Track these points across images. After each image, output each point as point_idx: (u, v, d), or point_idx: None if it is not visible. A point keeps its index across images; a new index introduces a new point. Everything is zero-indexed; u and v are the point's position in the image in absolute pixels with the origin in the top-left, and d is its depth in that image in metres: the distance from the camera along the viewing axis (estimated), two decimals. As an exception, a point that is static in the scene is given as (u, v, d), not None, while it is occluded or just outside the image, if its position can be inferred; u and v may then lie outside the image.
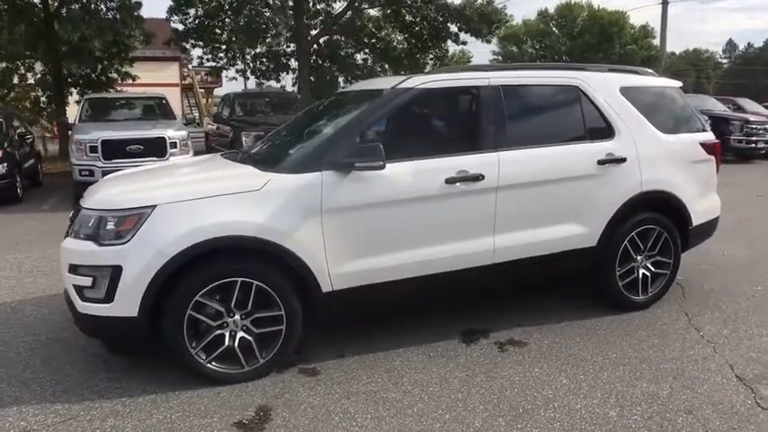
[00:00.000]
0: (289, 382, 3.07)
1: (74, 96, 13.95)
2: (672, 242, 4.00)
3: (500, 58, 43.85)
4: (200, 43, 19.89)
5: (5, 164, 8.47)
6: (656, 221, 3.93)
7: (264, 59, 22.07)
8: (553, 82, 3.76)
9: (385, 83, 3.63)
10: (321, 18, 20.99)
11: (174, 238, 2.84)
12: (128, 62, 15.08)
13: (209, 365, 2.99)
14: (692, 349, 3.39)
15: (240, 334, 3.04)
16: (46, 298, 4.40)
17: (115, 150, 8.48)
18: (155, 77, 27.03)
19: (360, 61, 22.20)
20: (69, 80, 13.85)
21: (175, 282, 2.88)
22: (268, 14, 19.02)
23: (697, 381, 3.00)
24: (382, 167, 3.02)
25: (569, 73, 3.82)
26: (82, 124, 9.31)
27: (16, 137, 9.49)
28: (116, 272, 2.84)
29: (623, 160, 3.75)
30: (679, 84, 4.31)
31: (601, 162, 3.68)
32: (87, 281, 2.90)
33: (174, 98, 30.39)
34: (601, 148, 3.72)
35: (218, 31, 19.87)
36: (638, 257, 3.93)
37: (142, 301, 2.83)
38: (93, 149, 8.47)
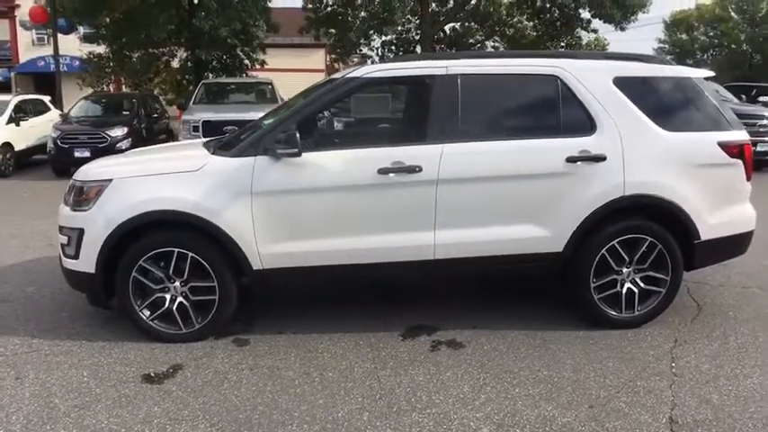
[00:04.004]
0: (216, 347, 3.33)
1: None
2: (669, 257, 3.45)
3: (665, 46, 39.12)
4: (332, 30, 21.03)
5: (130, 139, 10.02)
6: (647, 231, 3.42)
7: (393, 47, 22.66)
8: (527, 71, 3.43)
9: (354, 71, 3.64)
10: (449, 6, 20.83)
11: (122, 208, 3.24)
12: (258, 49, 16.53)
13: (150, 323, 3.36)
14: (645, 380, 2.94)
15: (179, 299, 3.36)
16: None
17: (214, 130, 9.47)
18: (301, 63, 29.13)
19: (490, 49, 21.70)
20: (208, 66, 15.66)
21: (125, 247, 3.31)
22: (396, 4, 19.39)
23: (616, 414, 2.63)
24: (298, 155, 3.10)
25: (549, 61, 3.45)
26: (194, 106, 10.57)
27: (144, 115, 11.11)
28: (81, 233, 3.34)
29: (601, 159, 3.32)
30: (704, 74, 3.63)
31: (571, 159, 3.31)
32: (65, 240, 3.45)
33: (319, 83, 32.43)
34: (574, 144, 3.33)
35: (349, 18, 20.83)
36: (623, 270, 3.47)
37: (97, 260, 3.29)
38: (196, 129, 9.60)
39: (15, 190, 9.20)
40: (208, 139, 4.29)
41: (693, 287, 4.30)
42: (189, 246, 3.28)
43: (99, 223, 3.27)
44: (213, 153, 3.45)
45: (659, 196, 3.36)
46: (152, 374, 3.02)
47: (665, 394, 2.81)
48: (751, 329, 3.55)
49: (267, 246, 3.28)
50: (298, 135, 3.06)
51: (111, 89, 17.51)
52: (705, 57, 35.48)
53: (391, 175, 3.22)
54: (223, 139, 3.85)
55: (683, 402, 2.74)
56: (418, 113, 3.43)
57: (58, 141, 9.73)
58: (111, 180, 3.32)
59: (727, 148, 3.45)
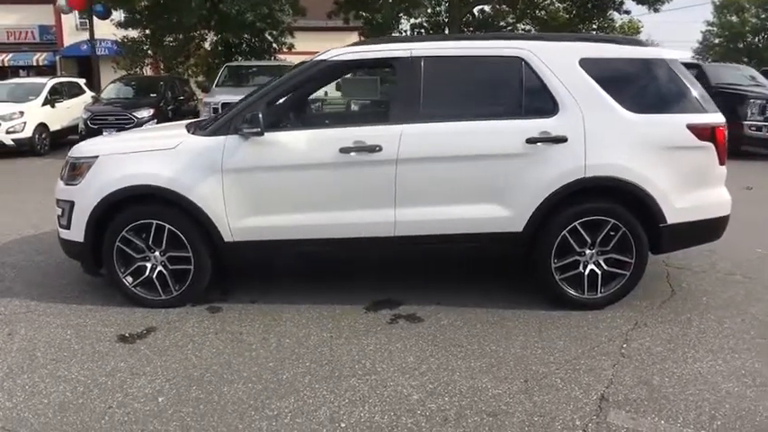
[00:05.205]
0: (190, 313, 3.58)
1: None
2: (634, 240, 3.45)
3: (714, 29, 37.12)
4: (363, 14, 21.03)
5: (155, 120, 10.47)
6: (610, 213, 3.42)
7: (422, 30, 22.50)
8: (491, 53, 3.47)
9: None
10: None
11: (106, 183, 3.50)
12: (286, 32, 16.77)
13: (133, 289, 3.63)
14: (590, 359, 2.99)
15: (159, 268, 3.61)
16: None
17: (233, 112, 9.80)
18: (335, 47, 29.33)
19: (520, 32, 21.29)
20: (236, 49, 16.02)
21: (110, 218, 3.58)
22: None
23: (548, 389, 2.70)
24: (260, 134, 3.26)
25: (513, 43, 3.47)
26: (216, 88, 10.92)
27: (171, 98, 11.57)
28: (72, 206, 3.62)
29: (562, 140, 3.34)
30: (676, 55, 3.55)
31: (531, 141, 3.34)
32: (60, 211, 3.76)
33: (353, 66, 32.71)
34: (535, 125, 3.36)
35: (379, 1, 20.75)
36: (586, 251, 3.50)
37: (86, 230, 3.57)
38: (216, 110, 9.90)
39: (49, 168, 9.79)
40: (191, 120, 4.51)
41: (674, 272, 4.26)
42: (166, 218, 3.51)
43: (87, 196, 3.55)
44: (193, 133, 3.66)
45: (621, 178, 3.35)
46: (127, 335, 3.28)
47: (606, 373, 2.86)
48: (718, 316, 3.51)
49: (237, 220, 3.47)
50: (260, 115, 3.22)
51: (147, 72, 18.15)
52: (756, 40, 33.50)
53: (352, 153, 3.34)
54: (203, 121, 4.06)
55: (620, 381, 2.78)
56: (381, 95, 3.53)
57: (88, 122, 10.29)
58: (97, 157, 3.59)
59: (696, 130, 3.40)
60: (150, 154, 3.52)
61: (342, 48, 3.55)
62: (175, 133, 3.73)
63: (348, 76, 4.20)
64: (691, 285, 4.02)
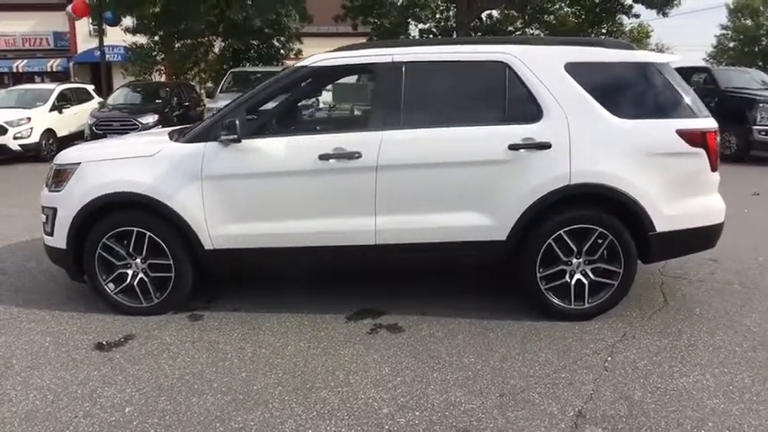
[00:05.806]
0: (170, 321, 3.54)
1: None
2: (622, 248, 3.35)
3: (728, 33, 36.53)
4: (370, 19, 21.07)
5: (160, 126, 10.53)
6: (597, 221, 3.32)
7: (431, 35, 22.49)
8: (474, 58, 3.39)
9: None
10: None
11: (87, 190, 3.50)
12: (294, 38, 16.87)
13: (115, 296, 3.61)
14: (571, 372, 2.89)
15: (140, 275, 3.59)
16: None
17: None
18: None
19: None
20: (244, 55, 16.14)
21: (92, 225, 3.57)
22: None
23: (523, 404, 2.61)
24: (237, 141, 3.23)
25: (497, 47, 3.39)
26: (220, 94, 10.98)
27: (177, 103, 11.66)
28: (55, 212, 3.62)
29: (546, 146, 3.25)
30: (666, 59, 3.45)
31: (513, 147, 3.26)
32: (44, 218, 3.76)
33: (362, 71, 33.13)
34: (518, 131, 3.28)
35: (388, 7, 20.76)
36: (573, 260, 3.40)
37: (67, 237, 3.56)
38: (219, 116, 9.98)
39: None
40: (176, 127, 4.50)
41: (669, 281, 4.14)
42: (146, 225, 3.49)
43: (68, 203, 3.54)
44: (175, 140, 3.64)
45: (608, 185, 3.26)
46: (104, 343, 3.26)
47: (587, 388, 2.76)
48: (711, 327, 3.39)
49: (217, 227, 3.44)
50: (237, 122, 3.20)
51: (158, 78, 18.33)
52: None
53: (332, 160, 3.29)
54: (186, 128, 4.05)
55: (600, 397, 2.68)
56: (361, 101, 3.48)
57: (94, 128, 10.40)
58: (79, 163, 3.59)
59: (687, 136, 3.29)
60: (131, 161, 3.51)
61: (324, 53, 3.51)
62: (158, 140, 3.71)
63: (337, 82, 4.16)
64: (685, 295, 3.90)
